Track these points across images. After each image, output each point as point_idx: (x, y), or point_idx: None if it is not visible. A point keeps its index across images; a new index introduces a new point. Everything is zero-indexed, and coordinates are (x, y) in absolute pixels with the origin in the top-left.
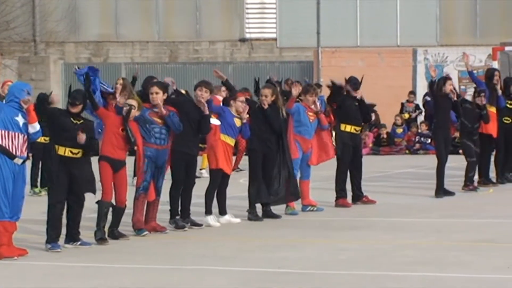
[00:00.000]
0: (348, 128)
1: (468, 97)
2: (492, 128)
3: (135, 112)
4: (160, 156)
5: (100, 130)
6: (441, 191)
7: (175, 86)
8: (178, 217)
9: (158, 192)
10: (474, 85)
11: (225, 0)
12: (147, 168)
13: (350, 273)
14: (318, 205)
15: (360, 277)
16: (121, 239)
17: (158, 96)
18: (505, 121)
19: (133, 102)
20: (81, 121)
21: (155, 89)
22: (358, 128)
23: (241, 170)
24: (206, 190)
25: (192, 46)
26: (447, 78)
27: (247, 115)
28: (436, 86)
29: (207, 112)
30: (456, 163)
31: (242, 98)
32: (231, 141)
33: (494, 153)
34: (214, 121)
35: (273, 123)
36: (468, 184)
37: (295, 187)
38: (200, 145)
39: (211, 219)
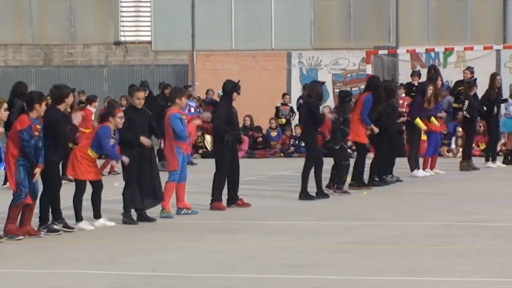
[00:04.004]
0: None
1: None
2: (362, 135)
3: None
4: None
5: None
6: (305, 194)
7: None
8: (49, 222)
9: (35, 196)
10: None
11: (100, 3)
12: (23, 177)
13: (225, 275)
14: (193, 208)
15: (235, 279)
16: None
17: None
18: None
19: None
20: None
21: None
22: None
23: (117, 173)
24: (73, 198)
25: (67, 49)
26: (323, 83)
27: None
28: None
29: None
30: (329, 166)
31: (121, 114)
32: (95, 156)
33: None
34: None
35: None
36: (340, 186)
37: (160, 189)
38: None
39: (83, 224)
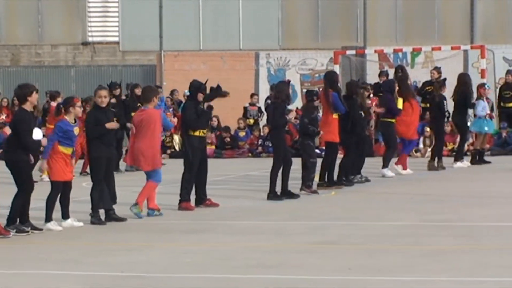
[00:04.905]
0: (197, 132)
1: None
2: (333, 135)
3: None
4: None
5: None
6: (273, 194)
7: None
8: (17, 223)
9: None
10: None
11: (67, 4)
12: None
13: (195, 276)
14: (161, 211)
15: (204, 279)
16: None
17: None
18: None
19: None
20: None
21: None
22: (205, 131)
23: (88, 174)
24: (47, 198)
25: (34, 49)
26: (289, 82)
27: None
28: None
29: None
30: (299, 166)
31: (79, 103)
32: (68, 151)
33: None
34: (38, 134)
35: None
36: (309, 185)
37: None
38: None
39: (52, 224)
